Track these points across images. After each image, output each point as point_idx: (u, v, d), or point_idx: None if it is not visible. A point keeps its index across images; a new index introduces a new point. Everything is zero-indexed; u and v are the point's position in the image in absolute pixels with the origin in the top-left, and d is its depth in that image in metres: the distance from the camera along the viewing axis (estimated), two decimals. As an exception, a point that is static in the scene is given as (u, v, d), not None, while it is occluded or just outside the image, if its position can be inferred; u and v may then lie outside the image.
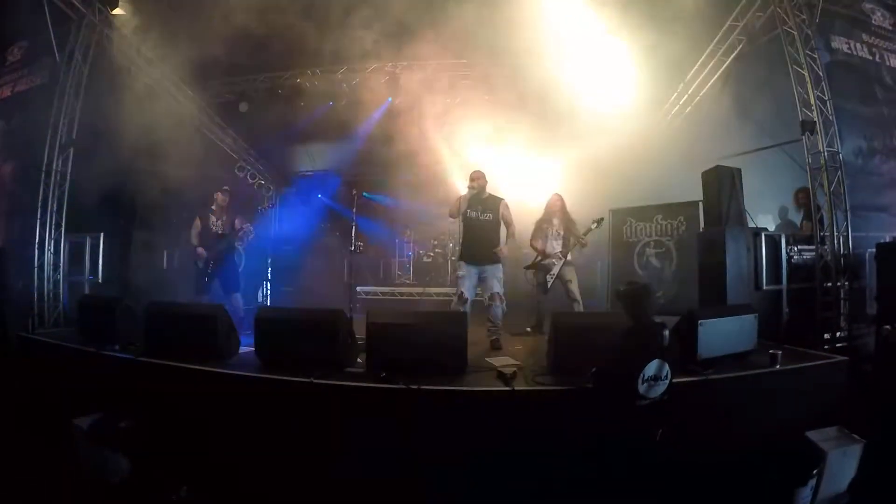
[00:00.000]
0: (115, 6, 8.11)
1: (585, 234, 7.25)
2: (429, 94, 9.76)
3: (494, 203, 6.45)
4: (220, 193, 7.46)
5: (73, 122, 8.01)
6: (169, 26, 8.19)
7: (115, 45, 8.39)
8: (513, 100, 9.83)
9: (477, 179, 6.39)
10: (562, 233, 7.31)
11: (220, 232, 7.37)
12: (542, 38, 8.30)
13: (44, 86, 8.29)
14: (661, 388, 3.47)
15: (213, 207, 7.42)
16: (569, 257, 7.25)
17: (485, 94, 10.12)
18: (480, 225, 6.37)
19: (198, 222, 7.34)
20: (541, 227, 7.51)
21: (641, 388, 3.39)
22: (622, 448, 3.51)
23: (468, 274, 6.33)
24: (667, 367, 3.49)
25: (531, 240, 7.55)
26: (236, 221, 7.49)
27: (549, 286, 7.28)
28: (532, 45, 8.41)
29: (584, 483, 3.71)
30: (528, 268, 7.65)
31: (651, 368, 3.41)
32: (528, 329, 7.25)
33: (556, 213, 7.43)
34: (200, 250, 7.18)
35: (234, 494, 4.43)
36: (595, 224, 7.36)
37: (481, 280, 6.39)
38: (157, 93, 9.06)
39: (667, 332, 3.67)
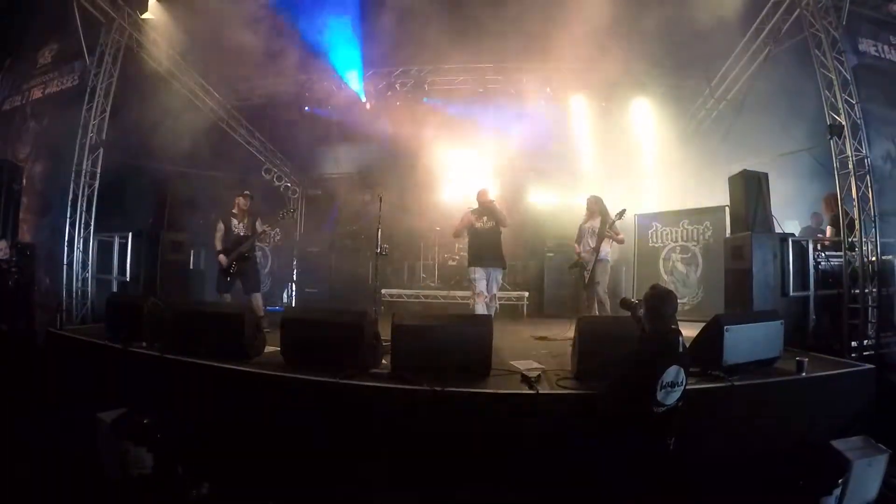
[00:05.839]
0: (145, 10, 8.27)
1: (611, 227, 7.27)
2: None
3: (490, 207, 6.98)
4: (241, 197, 7.58)
5: (103, 124, 8.18)
6: (197, 30, 8.29)
7: (143, 48, 8.53)
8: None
9: (485, 195, 7.02)
10: (597, 230, 7.40)
11: (241, 234, 7.48)
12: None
13: (74, 88, 8.48)
14: (677, 394, 3.44)
15: (235, 211, 7.54)
16: (601, 254, 7.29)
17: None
18: (486, 232, 6.99)
19: (221, 225, 7.48)
20: (581, 228, 7.71)
21: (659, 394, 3.36)
22: (635, 456, 3.48)
23: (481, 276, 6.91)
24: (683, 372, 3.46)
25: (575, 242, 7.78)
26: (256, 224, 7.61)
27: (586, 281, 7.35)
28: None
29: (605, 488, 3.70)
30: (571, 267, 7.81)
31: (669, 374, 3.38)
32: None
33: (594, 213, 7.55)
34: (222, 257, 7.33)
35: (254, 493, 4.48)
36: (618, 215, 7.37)
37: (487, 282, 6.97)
38: (185, 95, 9.20)
39: (682, 339, 3.65)
